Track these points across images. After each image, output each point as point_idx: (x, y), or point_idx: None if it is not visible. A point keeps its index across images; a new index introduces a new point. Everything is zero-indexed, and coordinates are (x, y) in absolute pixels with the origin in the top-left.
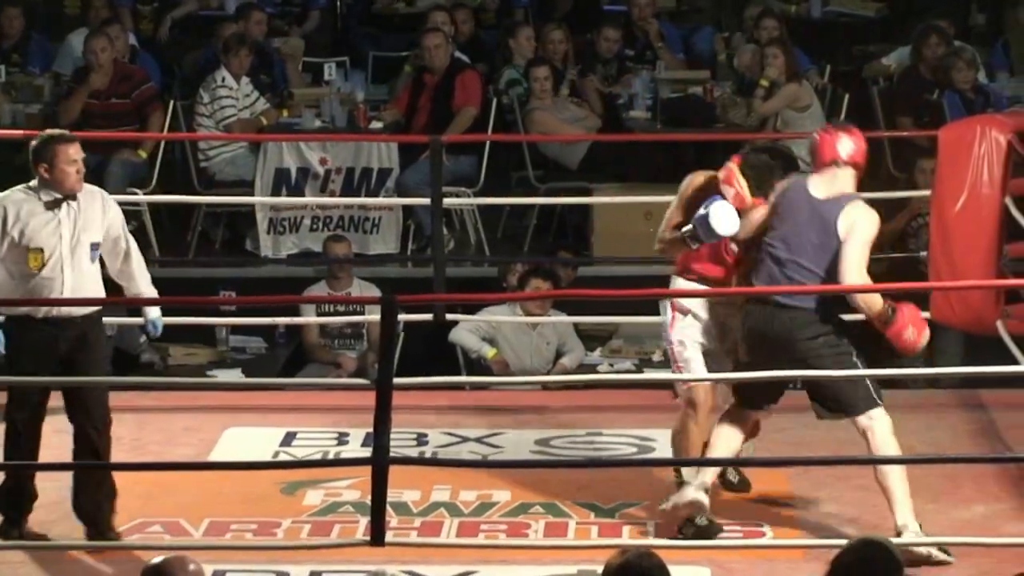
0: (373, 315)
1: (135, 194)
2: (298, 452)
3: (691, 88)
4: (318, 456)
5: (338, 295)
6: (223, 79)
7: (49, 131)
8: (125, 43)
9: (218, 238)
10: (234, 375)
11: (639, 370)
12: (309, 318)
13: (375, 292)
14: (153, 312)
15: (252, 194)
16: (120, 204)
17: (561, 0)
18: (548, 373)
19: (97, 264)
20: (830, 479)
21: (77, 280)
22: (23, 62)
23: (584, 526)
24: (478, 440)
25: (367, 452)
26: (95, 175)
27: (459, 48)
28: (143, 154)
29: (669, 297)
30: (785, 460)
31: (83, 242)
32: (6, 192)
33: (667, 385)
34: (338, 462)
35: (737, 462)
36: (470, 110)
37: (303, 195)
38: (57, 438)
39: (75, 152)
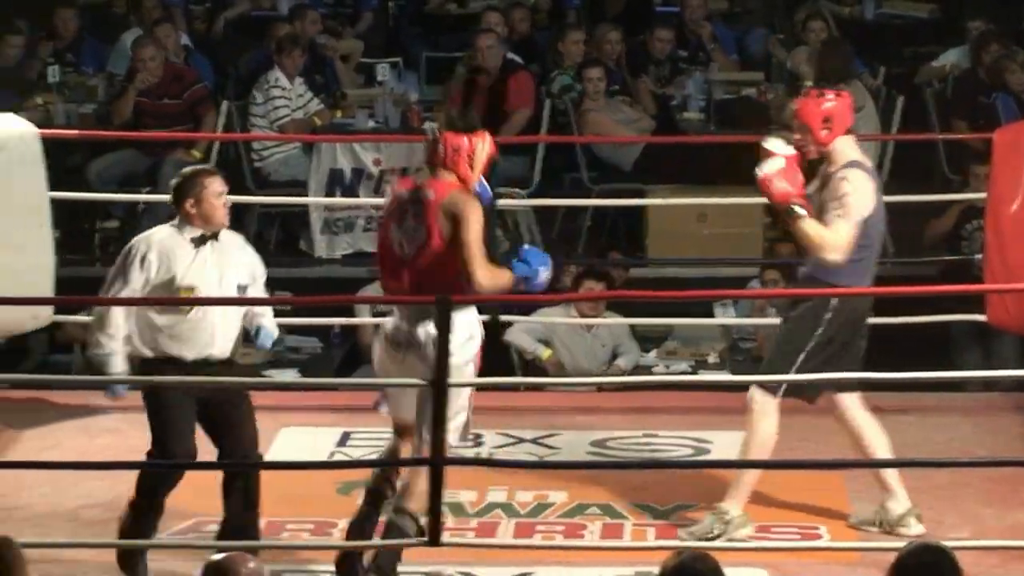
0: None
1: None
2: (354, 452)
3: (744, 90)
4: (374, 456)
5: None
6: (276, 79)
7: (191, 167)
8: (177, 43)
9: (272, 238)
10: (290, 375)
11: (694, 371)
12: (364, 318)
13: None
14: (267, 321)
15: (306, 194)
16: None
17: (613, 1)
18: (603, 374)
19: (243, 309)
20: None
21: (225, 322)
22: (77, 62)
23: (640, 528)
24: (534, 441)
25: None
26: (149, 176)
27: (512, 49)
28: (197, 154)
29: (726, 299)
30: (841, 462)
31: (230, 282)
32: (147, 232)
33: (726, 387)
34: (394, 462)
35: (789, 464)
36: (524, 112)
37: (357, 195)
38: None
39: (221, 185)
